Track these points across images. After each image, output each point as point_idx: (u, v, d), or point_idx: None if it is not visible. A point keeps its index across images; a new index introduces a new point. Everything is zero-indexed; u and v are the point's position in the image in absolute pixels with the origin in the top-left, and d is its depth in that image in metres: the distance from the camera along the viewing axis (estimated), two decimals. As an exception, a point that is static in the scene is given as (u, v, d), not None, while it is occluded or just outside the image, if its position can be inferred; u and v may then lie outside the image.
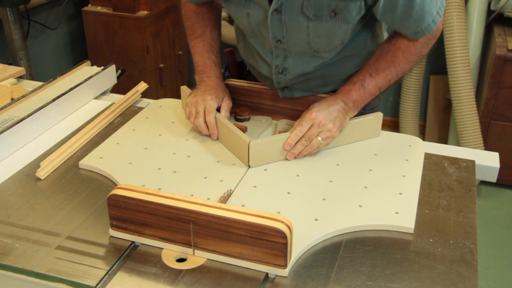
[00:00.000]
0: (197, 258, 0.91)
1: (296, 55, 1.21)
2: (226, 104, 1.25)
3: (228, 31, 2.98)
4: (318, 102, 1.19)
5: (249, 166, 1.15)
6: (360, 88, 1.18)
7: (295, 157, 1.17)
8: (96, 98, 1.48)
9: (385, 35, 1.33)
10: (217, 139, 1.24)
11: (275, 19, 1.13)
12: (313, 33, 1.13)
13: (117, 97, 1.49)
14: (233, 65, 1.50)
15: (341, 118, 1.17)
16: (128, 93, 1.44)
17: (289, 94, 1.30)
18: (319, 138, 1.14)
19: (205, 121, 1.23)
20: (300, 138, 1.15)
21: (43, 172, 1.12)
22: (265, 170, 1.14)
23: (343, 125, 1.18)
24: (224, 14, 3.21)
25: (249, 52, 1.33)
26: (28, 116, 1.24)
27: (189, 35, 1.37)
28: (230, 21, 3.15)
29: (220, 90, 1.26)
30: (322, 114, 1.15)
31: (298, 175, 1.13)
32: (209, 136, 1.25)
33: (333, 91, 1.29)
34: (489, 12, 2.69)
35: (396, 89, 3.16)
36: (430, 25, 1.12)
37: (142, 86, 1.49)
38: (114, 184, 1.10)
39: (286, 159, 1.17)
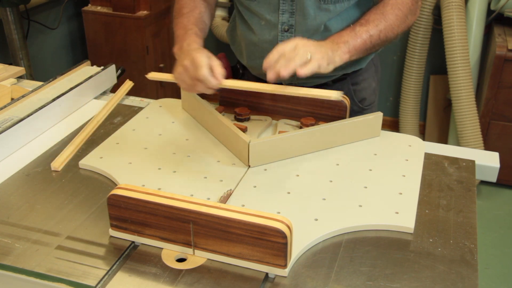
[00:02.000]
0: (197, 258, 0.91)
1: (302, 9, 1.22)
2: (217, 63, 1.08)
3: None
4: None
5: (249, 166, 1.15)
6: (351, 31, 1.17)
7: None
8: (96, 98, 1.48)
9: None
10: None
11: None
12: None
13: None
14: (227, 69, 1.50)
15: (328, 52, 1.08)
16: (116, 92, 1.46)
17: None
18: (308, 54, 1.02)
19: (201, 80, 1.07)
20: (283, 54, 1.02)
21: (57, 164, 1.14)
22: (265, 170, 1.14)
23: (331, 60, 1.09)
24: (223, 14, 3.21)
25: (247, 28, 1.33)
26: (28, 116, 1.24)
27: (175, 16, 1.28)
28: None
29: (206, 51, 1.10)
30: (307, 40, 1.06)
31: (298, 175, 1.13)
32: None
33: (333, 78, 1.34)
34: (489, 12, 2.69)
35: (396, 89, 3.16)
36: None
37: (128, 84, 1.50)
38: (114, 184, 1.10)
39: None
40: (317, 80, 1.35)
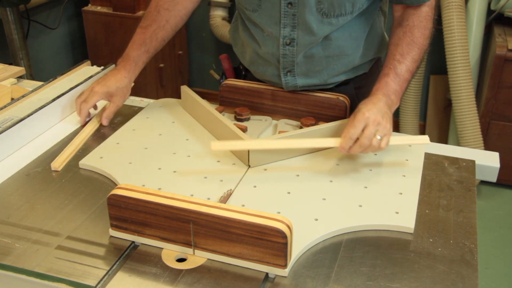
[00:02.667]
0: (197, 258, 0.91)
1: (304, 23, 1.20)
2: (113, 105, 1.31)
3: (228, 32, 2.98)
4: (362, 103, 1.14)
5: (249, 166, 1.15)
6: (396, 77, 1.17)
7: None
8: (96, 98, 1.48)
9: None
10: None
11: None
12: None
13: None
14: (229, 70, 1.49)
15: (389, 114, 1.13)
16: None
17: (292, 81, 1.29)
18: (378, 137, 1.08)
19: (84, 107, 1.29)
20: (358, 139, 1.08)
21: (57, 164, 1.15)
22: (265, 170, 1.14)
23: (391, 120, 1.14)
24: (223, 14, 3.21)
25: (249, 36, 1.32)
26: (28, 116, 1.24)
27: (140, 22, 1.36)
28: (230, 21, 3.14)
29: (115, 88, 1.30)
30: (374, 112, 1.09)
31: (298, 175, 1.13)
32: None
33: (337, 84, 1.31)
34: (489, 12, 2.69)
35: (396, 89, 3.16)
36: None
37: None
38: (114, 184, 1.10)
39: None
40: (320, 86, 1.32)
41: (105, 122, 1.31)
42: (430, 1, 1.21)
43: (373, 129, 1.08)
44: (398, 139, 1.16)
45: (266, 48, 1.28)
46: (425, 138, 1.16)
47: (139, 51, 1.33)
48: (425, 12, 1.21)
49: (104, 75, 1.34)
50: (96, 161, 1.16)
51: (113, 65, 1.54)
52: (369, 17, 1.26)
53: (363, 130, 1.08)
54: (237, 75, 1.48)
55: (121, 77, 1.31)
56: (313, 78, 1.29)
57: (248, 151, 1.13)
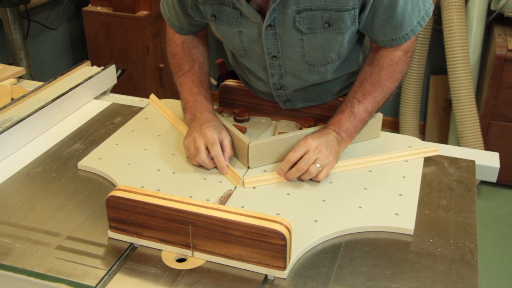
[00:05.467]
0: (197, 258, 0.91)
1: (292, 72, 1.18)
2: (228, 140, 1.15)
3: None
4: (312, 133, 1.14)
5: (248, 167, 1.15)
6: (351, 115, 1.15)
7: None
8: (96, 98, 1.48)
9: None
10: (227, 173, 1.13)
11: (269, 34, 1.11)
12: (307, 45, 1.11)
13: (117, 97, 1.49)
14: (226, 76, 1.49)
15: (335, 147, 1.12)
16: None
17: (291, 106, 1.29)
18: (317, 165, 1.07)
19: (208, 156, 1.13)
20: (297, 163, 1.08)
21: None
22: (265, 171, 1.14)
23: (338, 155, 1.13)
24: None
25: (242, 72, 1.32)
26: (28, 116, 1.24)
27: (176, 73, 1.30)
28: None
29: (217, 123, 1.17)
30: (318, 141, 1.09)
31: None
32: (215, 168, 1.14)
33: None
34: (489, 12, 2.69)
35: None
36: (408, 34, 1.13)
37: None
38: (113, 185, 1.10)
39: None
40: (318, 102, 1.31)
41: (228, 161, 1.14)
42: (404, 45, 1.16)
43: (313, 156, 1.08)
44: (410, 153, 1.17)
45: (259, 87, 1.27)
46: (435, 150, 1.19)
47: (203, 91, 1.25)
48: (398, 57, 1.16)
49: (196, 126, 1.16)
50: (95, 162, 1.16)
51: (113, 65, 1.54)
52: (358, 45, 1.23)
53: (303, 155, 1.08)
54: (234, 78, 1.48)
55: (209, 116, 1.20)
56: (311, 101, 1.29)
57: (248, 151, 1.13)
